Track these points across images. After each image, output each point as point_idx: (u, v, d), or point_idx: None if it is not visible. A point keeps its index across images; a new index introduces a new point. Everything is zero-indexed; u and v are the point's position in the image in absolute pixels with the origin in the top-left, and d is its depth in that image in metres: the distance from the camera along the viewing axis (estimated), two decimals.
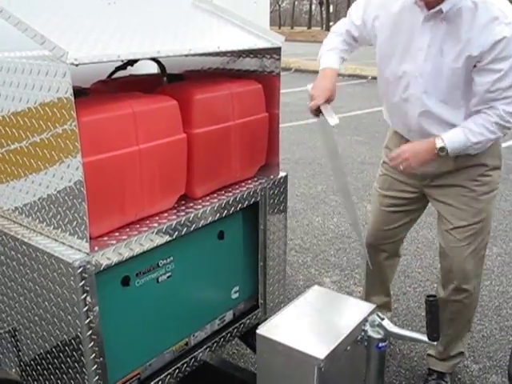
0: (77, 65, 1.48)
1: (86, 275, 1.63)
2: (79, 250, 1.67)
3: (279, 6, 61.58)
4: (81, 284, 1.62)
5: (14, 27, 1.57)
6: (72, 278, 1.62)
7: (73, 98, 1.50)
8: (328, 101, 2.27)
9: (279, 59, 2.21)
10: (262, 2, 3.33)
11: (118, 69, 2.32)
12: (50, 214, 1.74)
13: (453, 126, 2.27)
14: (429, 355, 2.83)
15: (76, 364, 1.75)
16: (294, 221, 5.04)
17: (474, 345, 3.20)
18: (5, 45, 2.05)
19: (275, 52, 2.21)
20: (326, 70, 2.41)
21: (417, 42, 2.23)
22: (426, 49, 2.20)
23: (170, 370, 2.06)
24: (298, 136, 8.22)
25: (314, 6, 62.74)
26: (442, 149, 2.22)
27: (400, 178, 2.63)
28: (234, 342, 3.13)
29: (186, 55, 1.85)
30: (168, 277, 1.97)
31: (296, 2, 64.43)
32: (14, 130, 1.76)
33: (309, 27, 55.62)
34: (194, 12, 2.35)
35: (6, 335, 2.05)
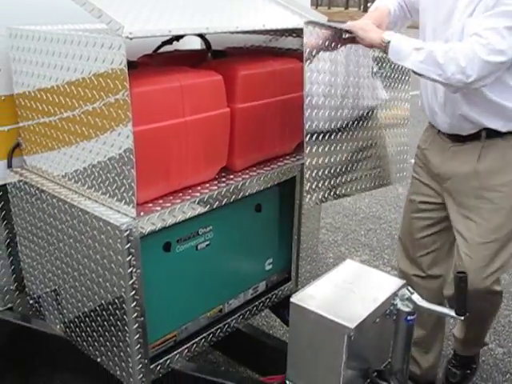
0: (131, 38, 1.55)
1: (132, 238, 1.73)
2: (126, 215, 1.76)
3: None
4: (127, 246, 1.72)
5: (71, 1, 1.66)
6: (119, 240, 1.72)
7: (126, 70, 1.58)
8: None
9: None
10: None
11: (164, 43, 2.39)
12: (99, 180, 1.84)
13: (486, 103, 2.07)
14: (454, 337, 2.80)
15: (118, 322, 1.86)
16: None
17: (500, 329, 3.25)
18: (56, 17, 2.15)
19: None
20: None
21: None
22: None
23: (205, 335, 2.16)
24: None
25: None
26: (386, 41, 1.98)
27: (425, 180, 2.44)
28: (263, 314, 3.22)
29: (233, 32, 1.91)
30: (206, 245, 2.06)
31: None
32: (67, 99, 1.86)
33: (346, 7, 54.85)
34: None
35: (52, 293, 2.18)
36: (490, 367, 2.93)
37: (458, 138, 2.22)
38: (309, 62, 1.90)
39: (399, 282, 1.87)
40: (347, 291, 1.85)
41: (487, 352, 3.04)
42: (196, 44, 2.66)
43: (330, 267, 3.89)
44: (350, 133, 2.14)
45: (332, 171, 2.07)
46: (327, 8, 55.42)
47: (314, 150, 1.95)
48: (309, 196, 2.00)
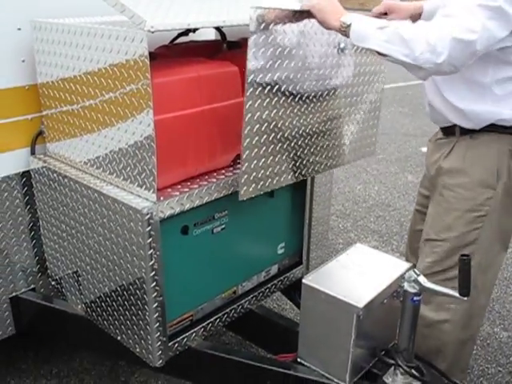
0: (153, 32, 1.63)
1: (153, 221, 1.82)
2: (147, 199, 1.85)
3: None
4: (147, 229, 1.81)
5: None
6: (140, 223, 1.81)
7: (148, 62, 1.67)
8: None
9: None
10: None
11: (180, 35, 2.47)
12: (121, 166, 1.92)
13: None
14: None
15: (139, 301, 1.95)
16: (335, 188, 5.17)
17: (505, 314, 3.32)
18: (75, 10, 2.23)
19: None
20: None
21: None
22: None
23: (220, 315, 2.25)
24: None
25: None
26: (346, 24, 1.83)
27: (427, 173, 2.34)
28: (274, 298, 3.32)
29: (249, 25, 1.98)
30: (222, 229, 2.15)
31: None
32: (90, 89, 1.94)
33: None
34: None
35: (73, 275, 2.28)
36: (494, 350, 3.01)
37: (443, 131, 2.16)
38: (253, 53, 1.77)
39: (406, 264, 1.95)
40: (356, 273, 1.93)
41: (492, 335, 3.12)
42: (211, 35, 2.73)
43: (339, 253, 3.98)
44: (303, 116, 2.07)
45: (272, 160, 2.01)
46: None
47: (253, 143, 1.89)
48: (244, 188, 1.92)
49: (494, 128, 1.96)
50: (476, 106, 1.96)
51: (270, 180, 2.00)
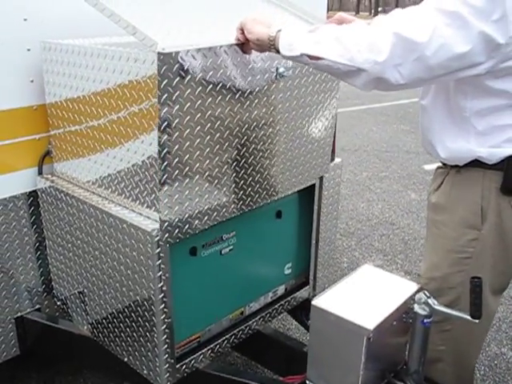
0: (164, 54, 1.64)
1: (162, 243, 1.81)
2: (156, 221, 1.84)
3: None
4: (157, 251, 1.80)
5: (107, 18, 1.74)
6: (149, 245, 1.81)
7: (157, 83, 1.67)
8: None
9: None
10: None
11: None
12: (130, 187, 1.92)
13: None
14: None
15: (147, 323, 1.94)
16: (339, 206, 5.17)
17: None
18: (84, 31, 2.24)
19: None
20: None
21: None
22: None
23: (227, 336, 2.24)
24: (344, 123, 8.30)
25: None
26: (275, 32, 1.66)
27: None
28: (280, 317, 3.30)
29: None
30: (230, 250, 2.14)
31: None
32: (98, 109, 1.95)
33: (357, 12, 54.87)
34: (261, 3, 2.49)
35: (80, 295, 2.26)
36: (502, 371, 2.99)
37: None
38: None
39: (415, 286, 1.94)
40: (365, 295, 1.92)
41: (499, 356, 3.10)
42: None
43: (344, 272, 3.98)
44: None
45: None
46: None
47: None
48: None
49: (478, 164, 1.75)
50: (454, 144, 1.77)
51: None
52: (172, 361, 1.99)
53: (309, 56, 1.59)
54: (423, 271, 2.00)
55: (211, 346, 2.17)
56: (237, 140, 1.96)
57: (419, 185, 5.86)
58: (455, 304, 1.83)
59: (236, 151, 1.97)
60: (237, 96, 1.89)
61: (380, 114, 9.06)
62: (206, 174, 1.89)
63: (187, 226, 1.88)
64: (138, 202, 1.90)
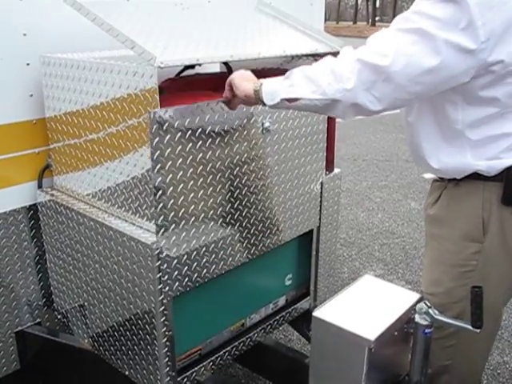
0: (162, 68, 1.65)
1: (162, 256, 1.81)
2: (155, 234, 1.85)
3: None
4: (157, 264, 1.80)
5: (106, 32, 1.76)
6: (149, 258, 1.81)
7: (158, 97, 1.68)
8: None
9: None
10: (318, 4, 3.45)
11: (186, 68, 2.49)
12: (129, 200, 1.92)
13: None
14: None
15: (148, 336, 1.94)
16: (339, 215, 5.17)
17: None
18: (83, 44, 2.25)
19: (334, 55, 2.33)
20: None
21: None
22: None
23: (228, 348, 2.23)
24: (343, 132, 8.32)
25: (359, 1, 62.20)
26: (258, 85, 1.75)
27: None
28: (281, 328, 3.29)
29: (256, 59, 2.00)
30: None
31: None
32: (98, 123, 1.95)
33: (354, 22, 55.14)
34: (258, 16, 2.51)
35: (80, 309, 2.26)
36: (505, 380, 2.98)
37: None
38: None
39: (416, 295, 1.94)
40: (366, 305, 1.92)
41: (502, 365, 3.09)
42: (215, 66, 2.76)
43: (345, 282, 3.98)
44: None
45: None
46: (335, 23, 55.73)
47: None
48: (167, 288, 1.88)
49: (477, 176, 1.74)
50: (450, 160, 1.76)
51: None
52: (173, 373, 1.98)
53: (287, 100, 1.67)
54: (425, 287, 1.97)
55: (212, 358, 2.17)
56: (229, 194, 2.03)
57: (419, 193, 5.86)
58: (460, 318, 1.80)
59: (229, 205, 2.04)
60: (226, 151, 1.97)
61: (379, 124, 9.07)
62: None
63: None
64: (137, 214, 1.91)
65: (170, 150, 1.76)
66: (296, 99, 1.65)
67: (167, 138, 1.74)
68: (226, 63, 2.39)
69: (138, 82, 1.72)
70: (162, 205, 1.79)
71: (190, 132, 1.81)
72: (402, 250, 4.53)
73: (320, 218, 2.51)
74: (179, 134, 1.77)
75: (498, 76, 1.58)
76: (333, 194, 2.56)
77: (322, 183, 2.45)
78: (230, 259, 2.09)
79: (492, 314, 1.85)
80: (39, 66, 2.13)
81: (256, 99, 1.74)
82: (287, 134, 2.21)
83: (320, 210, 2.49)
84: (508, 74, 1.58)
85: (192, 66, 2.48)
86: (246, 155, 2.04)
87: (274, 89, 1.70)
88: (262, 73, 2.57)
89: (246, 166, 2.06)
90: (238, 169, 2.03)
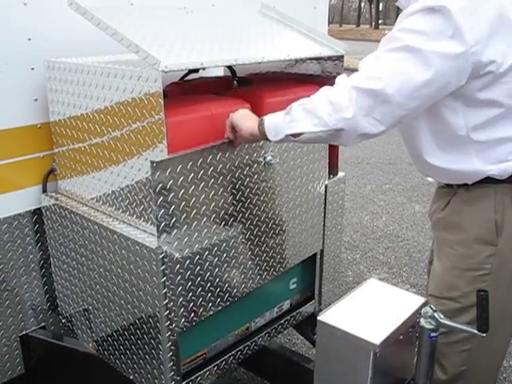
0: (167, 72, 1.65)
1: (167, 260, 1.81)
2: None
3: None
4: (162, 268, 1.80)
5: (110, 37, 1.76)
6: (154, 262, 1.81)
7: (162, 101, 1.68)
8: None
9: (342, 65, 2.34)
10: (322, 8, 3.45)
11: (190, 71, 2.49)
12: (133, 204, 1.92)
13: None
14: None
15: (152, 340, 1.93)
16: (343, 219, 5.17)
17: None
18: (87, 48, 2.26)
19: (338, 59, 2.34)
20: None
21: None
22: None
23: (233, 352, 2.23)
24: None
25: (363, 4, 62.16)
26: (261, 121, 1.78)
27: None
28: (285, 332, 3.29)
29: (260, 63, 2.00)
30: None
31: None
32: (102, 127, 1.95)
33: (357, 25, 55.14)
34: (262, 19, 2.51)
35: (85, 313, 2.26)
36: None
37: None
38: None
39: (421, 299, 1.93)
40: (371, 309, 1.91)
41: (508, 369, 3.08)
42: (219, 70, 2.76)
43: (349, 285, 3.97)
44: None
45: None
46: (339, 26, 55.77)
47: None
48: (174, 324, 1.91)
49: (489, 180, 1.76)
50: (458, 167, 1.77)
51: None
52: (178, 378, 1.98)
53: (292, 135, 1.70)
54: (438, 292, 1.96)
55: (217, 362, 2.16)
56: (233, 224, 2.05)
57: (423, 197, 5.86)
58: None
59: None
60: (229, 188, 1.99)
61: None
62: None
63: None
64: (142, 219, 1.91)
65: (173, 194, 1.81)
66: (300, 134, 1.68)
67: (170, 183, 1.79)
68: (229, 67, 2.39)
69: (142, 86, 1.72)
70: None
71: (192, 175, 1.84)
72: (407, 254, 4.52)
73: (324, 224, 2.51)
74: (181, 178, 1.81)
75: (494, 76, 1.60)
76: (337, 197, 2.55)
77: (326, 186, 2.44)
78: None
79: (508, 316, 1.86)
80: (44, 71, 2.14)
81: (261, 136, 1.79)
82: (289, 165, 2.25)
83: (324, 214, 2.49)
84: (503, 73, 1.60)
85: (196, 70, 2.49)
86: (248, 190, 2.09)
87: (276, 125, 1.73)
88: (265, 76, 2.60)
89: (249, 200, 2.10)
90: (241, 203, 2.07)
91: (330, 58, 2.35)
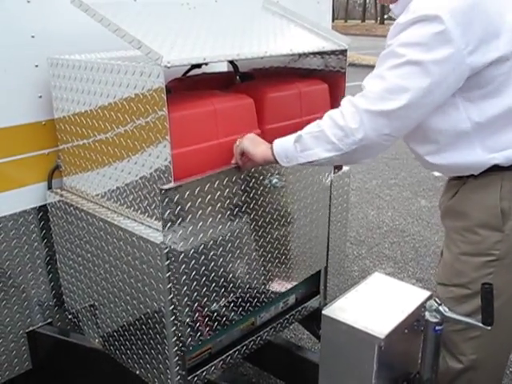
0: (169, 67, 1.65)
1: (171, 255, 1.82)
2: None
3: None
4: (166, 263, 1.81)
5: (113, 33, 1.76)
6: (159, 257, 1.81)
7: (165, 96, 1.68)
8: None
9: (345, 60, 2.34)
10: (325, 3, 3.44)
11: (193, 67, 2.49)
12: (138, 200, 1.93)
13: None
14: None
15: (158, 335, 1.94)
16: (349, 214, 5.15)
17: None
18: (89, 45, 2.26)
19: (341, 53, 2.34)
20: None
21: None
22: None
23: (238, 347, 2.23)
24: None
25: None
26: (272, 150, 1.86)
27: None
28: (291, 327, 3.29)
29: (262, 57, 2.00)
30: None
31: None
32: (106, 124, 1.96)
33: (363, 20, 54.91)
34: (265, 14, 2.51)
35: (91, 308, 2.27)
36: None
37: None
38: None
39: (426, 293, 1.93)
40: (376, 303, 1.91)
41: None
42: (222, 66, 2.76)
43: (355, 280, 3.97)
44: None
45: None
46: (344, 21, 55.55)
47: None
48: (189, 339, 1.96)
49: (495, 168, 1.78)
50: (464, 160, 1.80)
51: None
52: (183, 372, 1.98)
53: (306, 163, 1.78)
54: (446, 279, 1.97)
55: (222, 357, 2.16)
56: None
57: (429, 191, 5.84)
58: None
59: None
60: (235, 211, 2.01)
61: None
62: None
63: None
64: (146, 214, 1.91)
65: (180, 219, 1.83)
66: (313, 161, 1.75)
67: (177, 209, 1.81)
68: (232, 62, 2.39)
69: (145, 81, 1.73)
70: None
71: (199, 200, 1.86)
72: (413, 248, 4.52)
73: (329, 219, 2.51)
74: (189, 204, 1.83)
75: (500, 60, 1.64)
76: (342, 191, 2.55)
77: (331, 181, 2.44)
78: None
79: None
80: (47, 68, 2.14)
81: (275, 161, 1.85)
82: (294, 187, 2.27)
83: (329, 210, 2.49)
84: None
85: (199, 66, 2.49)
86: (254, 212, 2.11)
87: (286, 152, 1.81)
88: (268, 71, 2.60)
89: (255, 222, 2.13)
90: (247, 225, 2.10)
91: (333, 53, 2.35)
